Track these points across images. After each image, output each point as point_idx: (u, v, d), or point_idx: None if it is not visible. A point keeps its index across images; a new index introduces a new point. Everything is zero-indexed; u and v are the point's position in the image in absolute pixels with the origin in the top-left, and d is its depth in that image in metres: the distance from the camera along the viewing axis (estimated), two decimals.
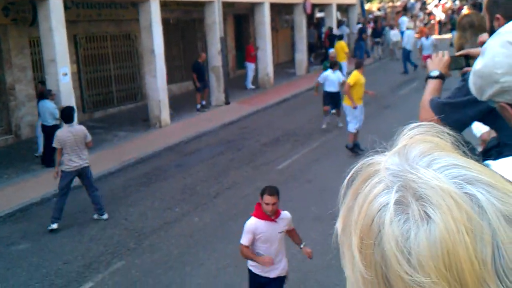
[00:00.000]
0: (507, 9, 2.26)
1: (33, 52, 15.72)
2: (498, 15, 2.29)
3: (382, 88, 20.64)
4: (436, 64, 2.74)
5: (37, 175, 12.42)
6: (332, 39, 25.21)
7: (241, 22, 25.81)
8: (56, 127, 12.78)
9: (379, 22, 32.71)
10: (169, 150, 14.32)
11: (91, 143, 9.99)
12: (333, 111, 15.16)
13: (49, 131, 12.79)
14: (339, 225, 0.82)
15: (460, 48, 3.43)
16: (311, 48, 27.93)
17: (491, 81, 1.49)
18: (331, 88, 14.52)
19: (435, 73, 2.69)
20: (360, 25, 28.75)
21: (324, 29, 27.90)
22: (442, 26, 35.91)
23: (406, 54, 23.59)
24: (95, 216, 10.03)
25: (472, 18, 3.60)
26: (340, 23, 30.42)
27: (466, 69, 2.54)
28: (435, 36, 29.47)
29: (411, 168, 0.74)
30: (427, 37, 22.32)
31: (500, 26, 2.27)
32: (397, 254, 0.68)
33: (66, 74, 13.18)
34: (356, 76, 12.41)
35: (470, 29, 3.53)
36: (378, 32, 29.25)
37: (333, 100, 14.79)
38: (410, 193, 0.71)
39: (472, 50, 2.61)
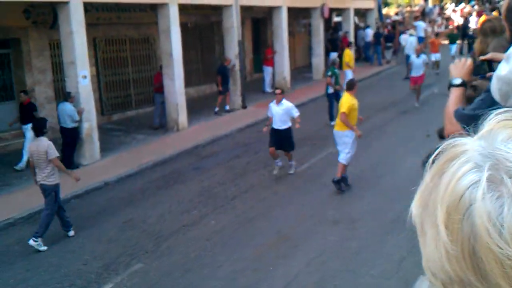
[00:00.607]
0: None
1: (53, 54, 15.90)
2: None
3: (400, 93, 20.57)
4: (458, 71, 2.69)
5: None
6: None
7: (258, 26, 25.86)
8: (75, 130, 12.92)
9: (397, 26, 32.59)
10: (187, 153, 14.38)
11: (56, 160, 9.15)
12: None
13: (68, 133, 12.93)
14: (416, 204, 0.86)
15: (482, 53, 3.41)
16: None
17: None
18: (278, 124, 11.83)
19: (457, 81, 2.64)
20: (370, 30, 28.73)
21: (341, 34, 27.83)
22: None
23: (407, 61, 23.18)
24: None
25: (494, 23, 3.58)
26: (357, 28, 30.40)
27: (489, 74, 2.53)
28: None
29: (501, 149, 0.78)
30: (418, 55, 18.69)
31: None
32: (489, 227, 0.72)
33: (85, 77, 13.31)
34: (348, 100, 10.58)
35: (492, 34, 3.51)
36: (390, 37, 29.26)
37: (281, 140, 11.86)
38: (503, 172, 0.75)
39: (496, 55, 2.59)
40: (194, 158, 14.05)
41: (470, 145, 0.81)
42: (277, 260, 8.28)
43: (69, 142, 13.02)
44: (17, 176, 12.76)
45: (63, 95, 13.27)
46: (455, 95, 2.63)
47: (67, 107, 12.74)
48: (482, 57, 2.75)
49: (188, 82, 18.56)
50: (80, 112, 12.96)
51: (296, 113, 11.83)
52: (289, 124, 11.94)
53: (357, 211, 9.93)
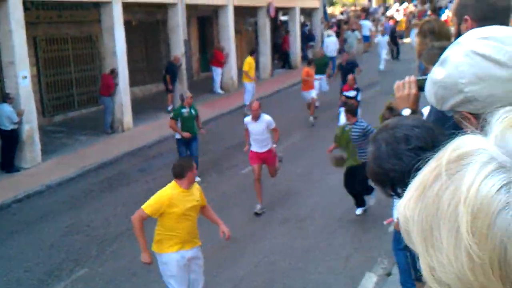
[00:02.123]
0: (476, 11, 2.27)
1: None
2: (466, 17, 2.30)
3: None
4: (405, 101, 2.62)
5: None
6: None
7: (205, 25, 25.69)
8: (14, 132, 12.49)
9: (342, 26, 33.04)
10: (132, 154, 14.13)
11: None
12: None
13: (7, 136, 12.50)
14: (412, 206, 0.79)
15: (420, 54, 3.44)
16: (277, 50, 28.15)
17: (455, 91, 1.48)
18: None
19: (407, 112, 2.58)
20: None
21: (283, 33, 28.34)
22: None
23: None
24: None
25: (433, 24, 3.63)
26: (303, 26, 30.69)
27: None
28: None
29: None
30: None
31: (467, 28, 2.28)
32: None
33: (25, 77, 12.88)
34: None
35: (430, 35, 3.55)
36: (311, 37, 30.08)
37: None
38: None
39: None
40: (140, 159, 13.82)
41: (484, 144, 0.75)
42: (226, 262, 8.22)
43: (9, 145, 12.58)
44: None
45: (1, 96, 12.79)
46: None
47: (5, 109, 12.30)
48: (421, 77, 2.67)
49: (133, 81, 18.25)
50: (20, 114, 12.53)
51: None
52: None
53: (305, 209, 9.98)
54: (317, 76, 17.77)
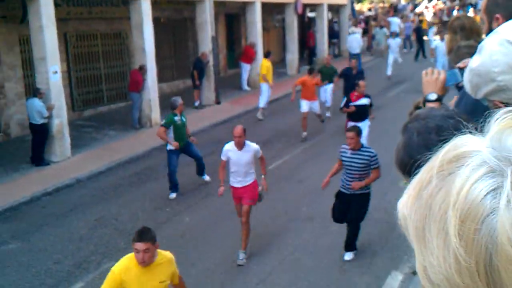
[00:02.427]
0: (507, 9, 2.24)
1: (23, 50, 15.58)
2: (498, 15, 2.27)
3: (372, 88, 20.69)
4: (432, 86, 2.64)
5: (27, 174, 12.32)
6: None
7: (232, 22, 25.76)
8: (44, 126, 12.70)
9: (370, 22, 32.83)
10: (160, 149, 14.22)
11: None
12: None
13: (38, 130, 12.72)
14: (408, 205, 0.79)
15: (451, 50, 3.41)
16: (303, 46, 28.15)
17: (488, 79, 1.48)
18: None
19: (433, 96, 2.58)
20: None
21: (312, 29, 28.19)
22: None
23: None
24: None
25: (463, 21, 3.59)
26: (331, 22, 30.55)
27: (461, 83, 2.49)
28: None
29: None
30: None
31: (499, 26, 2.27)
32: None
33: (56, 72, 13.09)
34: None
35: (461, 32, 3.51)
36: (334, 34, 29.94)
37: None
38: None
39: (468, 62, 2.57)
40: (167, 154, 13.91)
41: (479, 146, 0.75)
42: (251, 257, 8.26)
43: (39, 139, 12.81)
44: None
45: (33, 91, 13.03)
46: None
47: (36, 103, 12.51)
48: (459, 65, 2.69)
49: (161, 78, 18.41)
50: (50, 108, 12.74)
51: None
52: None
53: (330, 208, 9.95)
54: (325, 87, 16.50)
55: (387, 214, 9.34)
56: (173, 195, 10.83)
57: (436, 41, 19.57)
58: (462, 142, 0.78)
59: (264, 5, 22.43)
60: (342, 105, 12.45)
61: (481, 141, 0.76)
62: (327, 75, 16.28)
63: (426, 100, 2.62)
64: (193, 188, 11.38)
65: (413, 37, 30.57)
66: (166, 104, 17.79)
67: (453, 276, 0.71)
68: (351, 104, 12.12)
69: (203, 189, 11.26)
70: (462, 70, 2.57)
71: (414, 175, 1.80)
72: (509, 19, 2.28)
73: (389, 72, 22.72)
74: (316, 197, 10.46)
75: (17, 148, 14.21)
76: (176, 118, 10.69)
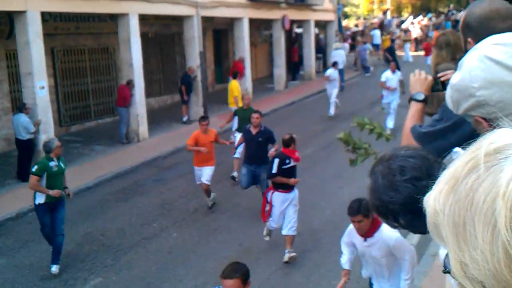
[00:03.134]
0: (478, 34, 2.25)
1: (10, 65, 15.52)
2: (469, 39, 2.29)
3: (358, 104, 20.82)
4: (419, 86, 2.68)
5: (13, 190, 12.21)
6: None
7: (220, 37, 25.87)
8: (30, 141, 12.61)
9: (357, 38, 33.19)
10: (147, 164, 14.22)
11: None
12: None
13: (24, 145, 12.63)
14: (443, 199, 0.76)
15: (436, 66, 3.45)
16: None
17: (467, 94, 1.48)
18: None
19: (420, 96, 2.62)
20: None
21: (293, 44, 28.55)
22: (418, 43, 36.48)
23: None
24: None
25: (449, 36, 3.63)
26: (317, 38, 30.90)
27: (442, 93, 2.51)
28: (411, 53, 30.09)
29: None
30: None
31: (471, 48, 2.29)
32: None
33: (43, 88, 13.05)
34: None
35: (446, 47, 3.55)
36: (319, 49, 30.39)
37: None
38: None
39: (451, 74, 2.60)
40: (155, 169, 13.89)
41: None
42: None
43: (25, 154, 12.71)
44: None
45: (19, 106, 12.95)
46: (414, 109, 2.62)
47: (22, 119, 12.44)
48: (440, 75, 2.74)
49: (149, 93, 18.40)
50: (37, 124, 12.67)
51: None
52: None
53: (318, 222, 9.97)
54: (235, 135, 12.85)
55: None
56: (55, 269, 8.37)
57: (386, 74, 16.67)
58: (502, 135, 0.76)
59: (251, 21, 22.57)
60: (274, 169, 8.58)
61: None
62: (244, 120, 12.26)
63: (412, 99, 2.65)
64: (180, 203, 11.33)
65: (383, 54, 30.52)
66: (154, 119, 17.83)
67: (502, 271, 0.67)
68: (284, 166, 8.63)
69: (191, 204, 11.21)
70: (442, 81, 2.61)
71: (387, 214, 1.82)
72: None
73: (331, 111, 18.95)
74: (305, 212, 10.45)
75: (3, 164, 14.09)
76: (52, 163, 8.44)
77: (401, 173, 1.76)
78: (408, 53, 32.36)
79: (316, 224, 9.89)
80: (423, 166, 1.76)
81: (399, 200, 1.75)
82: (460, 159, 0.77)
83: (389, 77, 16.51)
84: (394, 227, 1.89)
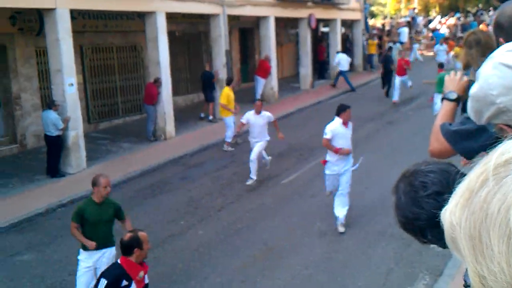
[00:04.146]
0: (509, 34, 2.24)
1: (39, 61, 15.78)
2: (501, 39, 2.28)
3: (386, 105, 20.69)
4: (454, 86, 2.67)
5: (42, 185, 12.43)
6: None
7: (246, 36, 25.91)
8: (59, 138, 12.81)
9: (384, 37, 32.95)
10: (174, 162, 14.32)
11: None
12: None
13: (53, 141, 12.83)
14: (459, 212, 0.76)
15: (467, 65, 3.42)
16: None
17: (487, 103, 1.48)
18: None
19: (453, 95, 2.61)
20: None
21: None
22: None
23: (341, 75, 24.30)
24: None
25: (479, 35, 3.60)
26: (347, 36, 30.83)
27: None
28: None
29: None
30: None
31: None
32: None
33: (72, 85, 13.22)
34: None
35: (476, 46, 3.53)
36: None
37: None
38: None
39: None
40: (181, 167, 13.99)
41: None
42: (264, 272, 8.25)
43: (54, 150, 12.92)
44: None
45: (49, 103, 13.16)
46: (446, 109, 2.61)
47: (51, 115, 12.64)
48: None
49: (175, 91, 18.53)
50: (66, 120, 12.87)
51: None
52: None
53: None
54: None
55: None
56: None
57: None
58: (509, 145, 0.76)
59: (277, 20, 22.55)
60: None
61: None
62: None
63: (445, 98, 2.63)
64: (206, 201, 11.40)
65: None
66: (181, 117, 17.94)
67: None
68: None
69: (217, 202, 11.27)
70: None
71: (414, 230, 1.82)
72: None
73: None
74: (330, 212, 10.43)
75: (32, 159, 14.34)
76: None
77: (423, 189, 1.78)
78: (417, 52, 32.26)
79: None
80: (443, 180, 1.77)
81: (423, 216, 1.77)
82: (474, 171, 0.77)
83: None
84: (423, 242, 1.90)
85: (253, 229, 9.93)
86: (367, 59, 30.14)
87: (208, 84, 18.69)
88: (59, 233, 9.95)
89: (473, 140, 2.30)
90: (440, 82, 14.05)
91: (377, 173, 12.40)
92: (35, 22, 15.08)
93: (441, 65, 17.64)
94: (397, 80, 20.36)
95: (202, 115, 18.97)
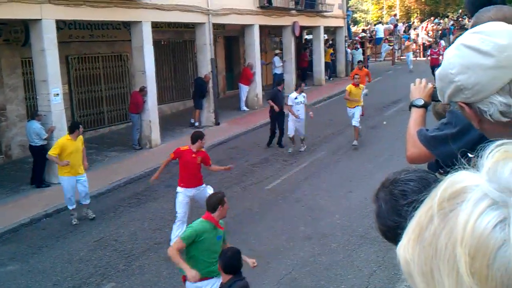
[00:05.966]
0: None
1: (25, 72, 15.78)
2: None
3: (368, 109, 20.86)
4: (419, 92, 2.75)
5: (27, 196, 12.44)
6: None
7: (231, 44, 26.06)
8: (43, 147, 12.83)
9: (366, 44, 33.37)
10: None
11: None
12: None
13: (37, 151, 12.86)
14: (410, 249, 0.76)
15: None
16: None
17: (447, 81, 1.55)
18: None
19: (420, 102, 2.68)
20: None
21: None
22: (427, 48, 36.44)
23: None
24: None
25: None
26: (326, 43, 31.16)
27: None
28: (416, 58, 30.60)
29: None
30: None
31: None
32: None
33: (57, 95, 13.26)
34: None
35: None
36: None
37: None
38: None
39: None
40: (167, 175, 13.97)
41: (476, 180, 0.72)
42: (249, 278, 8.31)
43: (38, 161, 12.94)
44: None
45: (32, 114, 13.20)
46: (415, 116, 2.67)
47: (34, 125, 12.69)
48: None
49: (161, 99, 18.61)
50: (50, 130, 12.90)
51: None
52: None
53: (328, 226, 10.06)
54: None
55: None
56: None
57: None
58: (459, 179, 0.75)
59: (262, 28, 22.72)
60: None
61: (477, 176, 0.74)
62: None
63: (412, 105, 2.72)
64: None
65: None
66: (166, 125, 18.00)
67: None
68: None
69: (202, 210, 11.31)
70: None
71: (395, 238, 1.86)
72: None
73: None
74: (314, 215, 10.56)
75: (18, 170, 14.34)
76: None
77: (403, 197, 1.80)
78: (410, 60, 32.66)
79: (325, 228, 9.99)
80: (422, 188, 1.77)
81: (404, 225, 1.82)
82: (423, 205, 0.78)
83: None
84: None
85: (238, 234, 10.00)
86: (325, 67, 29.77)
87: (199, 91, 18.79)
88: (44, 243, 9.99)
89: (452, 144, 2.33)
90: None
91: (360, 177, 12.56)
92: (20, 33, 15.12)
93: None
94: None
95: (192, 120, 19.09)
